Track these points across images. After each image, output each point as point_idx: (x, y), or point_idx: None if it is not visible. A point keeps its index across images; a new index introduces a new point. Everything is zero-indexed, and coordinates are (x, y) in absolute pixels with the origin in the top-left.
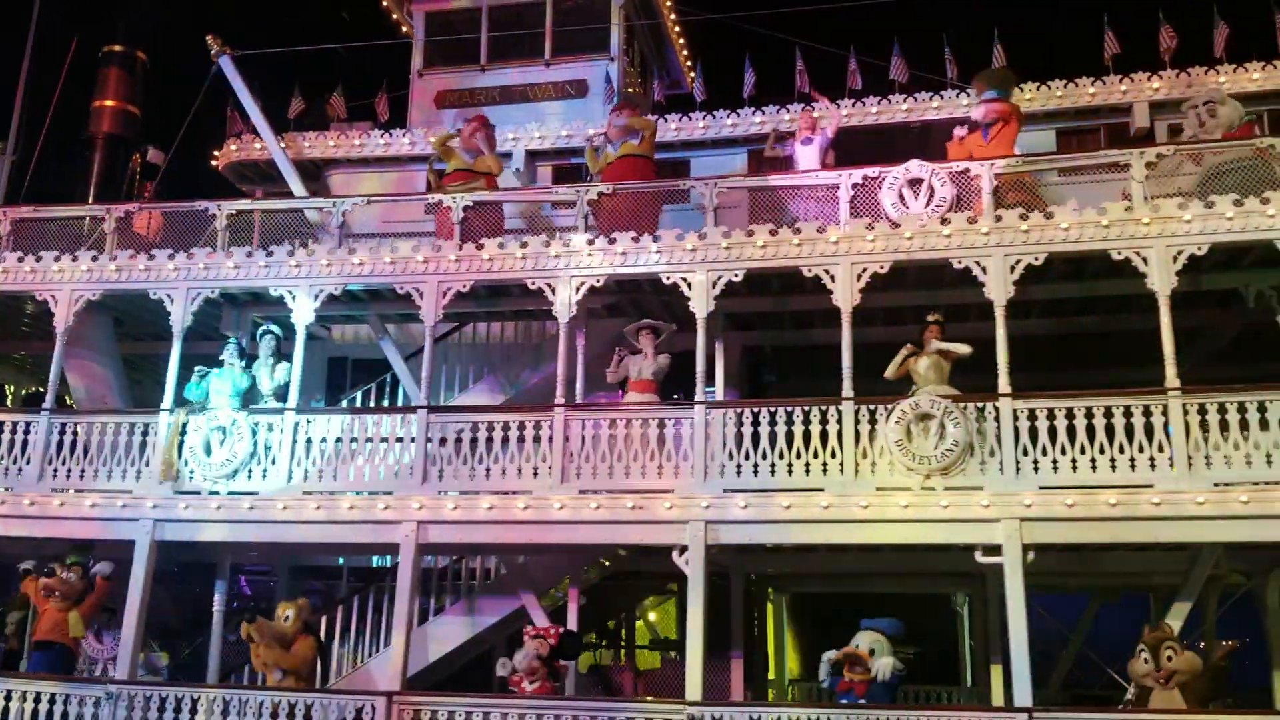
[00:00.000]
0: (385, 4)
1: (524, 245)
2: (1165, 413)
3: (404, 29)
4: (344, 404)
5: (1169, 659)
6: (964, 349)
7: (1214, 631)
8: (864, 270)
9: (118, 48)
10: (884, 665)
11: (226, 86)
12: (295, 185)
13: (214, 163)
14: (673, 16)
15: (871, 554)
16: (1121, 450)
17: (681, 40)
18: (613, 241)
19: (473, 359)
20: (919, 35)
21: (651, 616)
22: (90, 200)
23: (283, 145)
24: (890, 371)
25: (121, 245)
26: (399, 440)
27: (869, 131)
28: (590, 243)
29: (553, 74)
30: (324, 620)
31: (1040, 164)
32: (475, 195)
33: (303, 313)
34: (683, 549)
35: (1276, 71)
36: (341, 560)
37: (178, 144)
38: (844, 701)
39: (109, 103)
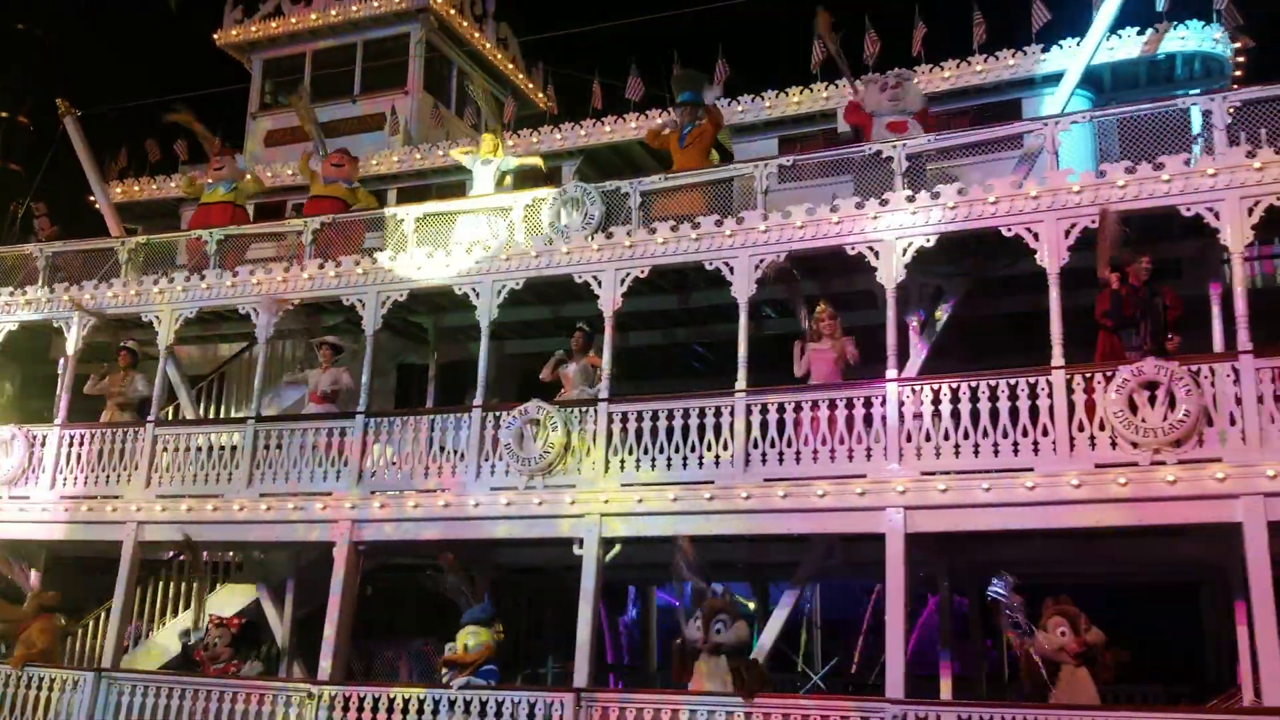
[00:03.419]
0: (234, 54)
1: (235, 274)
2: (733, 413)
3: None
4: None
5: (718, 632)
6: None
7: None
8: (504, 287)
9: (3, 114)
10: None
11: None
12: (113, 227)
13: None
14: (487, 45)
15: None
16: (693, 449)
17: (511, 65)
18: (303, 269)
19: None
20: (658, 54)
21: None
22: None
23: (140, 187)
24: (544, 374)
25: None
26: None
27: (613, 148)
28: (286, 269)
29: (359, 109)
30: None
31: (677, 180)
32: (229, 230)
33: (71, 341)
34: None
35: (970, 68)
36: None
37: (33, 194)
38: None
39: None
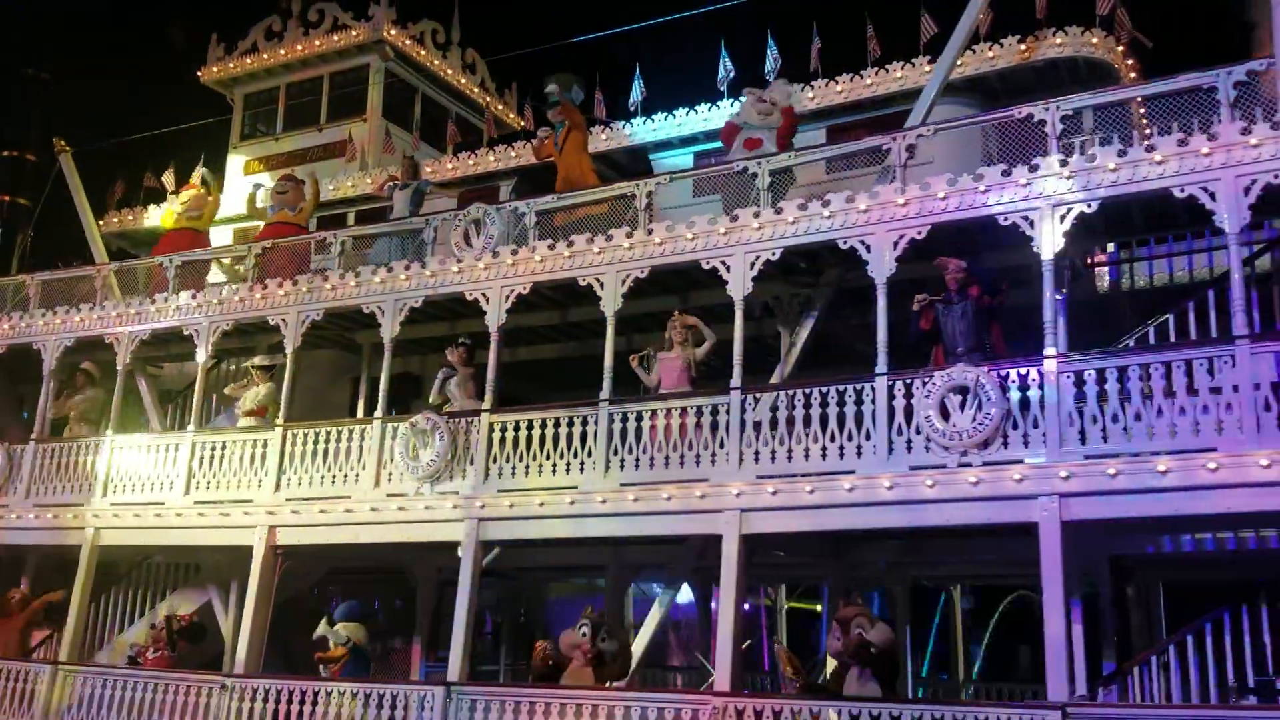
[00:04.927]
0: (218, 89)
1: (180, 299)
2: (597, 422)
3: None
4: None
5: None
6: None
7: None
8: (405, 305)
9: (15, 153)
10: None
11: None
12: (98, 255)
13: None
14: (449, 71)
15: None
16: (561, 455)
17: (478, 89)
18: (235, 292)
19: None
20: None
21: None
22: None
23: (134, 217)
24: (433, 397)
25: None
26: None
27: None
28: (223, 293)
29: (324, 137)
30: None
31: (567, 200)
32: (183, 255)
33: (49, 362)
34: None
35: (861, 81)
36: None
37: (35, 222)
38: None
39: (8, 197)
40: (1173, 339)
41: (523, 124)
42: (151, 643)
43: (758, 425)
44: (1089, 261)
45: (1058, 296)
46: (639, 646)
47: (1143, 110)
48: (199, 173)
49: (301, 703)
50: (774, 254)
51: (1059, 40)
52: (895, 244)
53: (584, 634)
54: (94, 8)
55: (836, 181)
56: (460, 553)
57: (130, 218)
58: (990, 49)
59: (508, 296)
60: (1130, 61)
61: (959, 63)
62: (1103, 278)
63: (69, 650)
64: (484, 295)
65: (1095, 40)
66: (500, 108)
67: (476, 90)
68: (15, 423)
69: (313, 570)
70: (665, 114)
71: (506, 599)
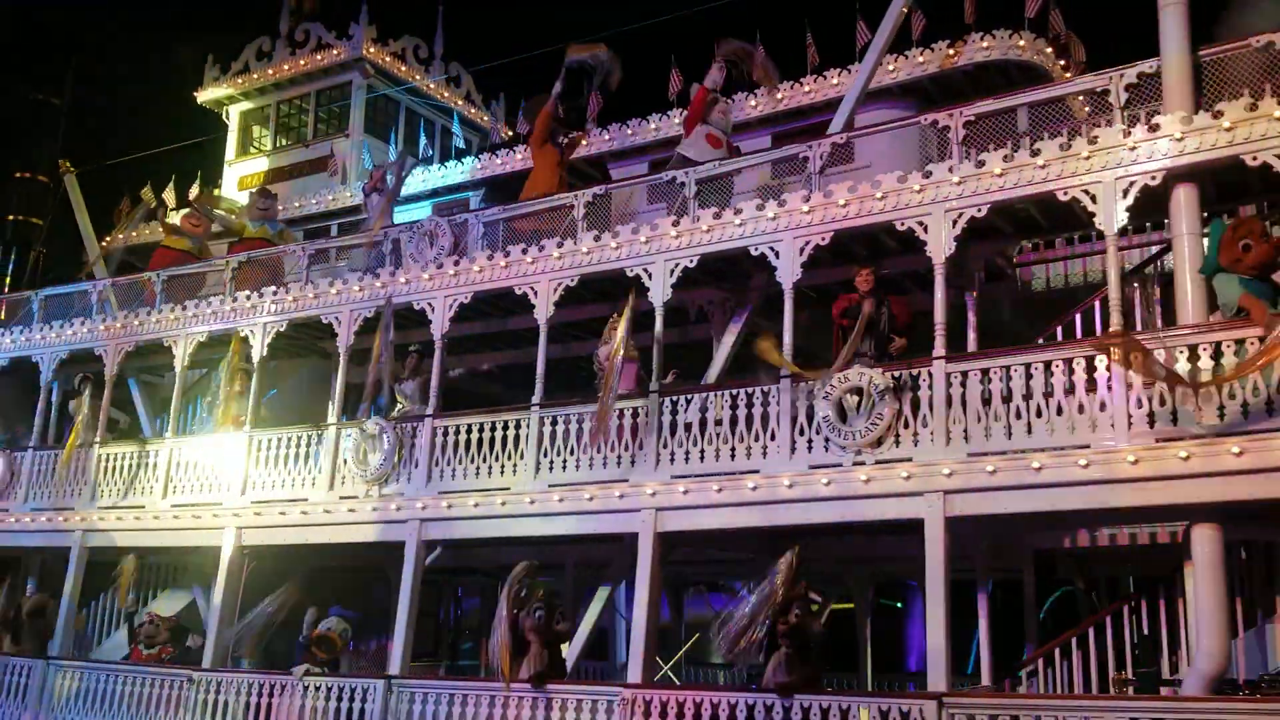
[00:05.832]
0: (214, 108)
1: (161, 312)
2: (529, 425)
3: None
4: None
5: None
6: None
7: None
8: (359, 315)
9: (28, 174)
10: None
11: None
12: (98, 271)
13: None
14: (431, 85)
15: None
16: (497, 458)
17: (462, 101)
18: (210, 305)
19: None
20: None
21: None
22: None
23: (137, 233)
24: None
25: None
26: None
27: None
28: (197, 306)
29: (311, 153)
30: None
31: (514, 211)
32: (169, 271)
33: (46, 373)
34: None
35: (800, 89)
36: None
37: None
38: None
39: (20, 217)
40: (1079, 337)
41: (510, 133)
42: (147, 643)
43: (674, 427)
44: (1012, 262)
45: (971, 295)
46: (577, 641)
47: (1087, 109)
48: (197, 194)
49: (260, 695)
50: (691, 261)
51: (985, 44)
52: (802, 250)
53: (539, 618)
54: (97, 21)
55: (783, 186)
56: (404, 552)
57: (134, 234)
58: (921, 54)
59: (451, 306)
60: (1063, 61)
61: (892, 68)
62: (1028, 277)
63: (61, 646)
64: (429, 305)
65: (1023, 43)
66: (485, 119)
67: (460, 102)
68: (29, 430)
69: (287, 571)
70: (619, 124)
71: (490, 596)
